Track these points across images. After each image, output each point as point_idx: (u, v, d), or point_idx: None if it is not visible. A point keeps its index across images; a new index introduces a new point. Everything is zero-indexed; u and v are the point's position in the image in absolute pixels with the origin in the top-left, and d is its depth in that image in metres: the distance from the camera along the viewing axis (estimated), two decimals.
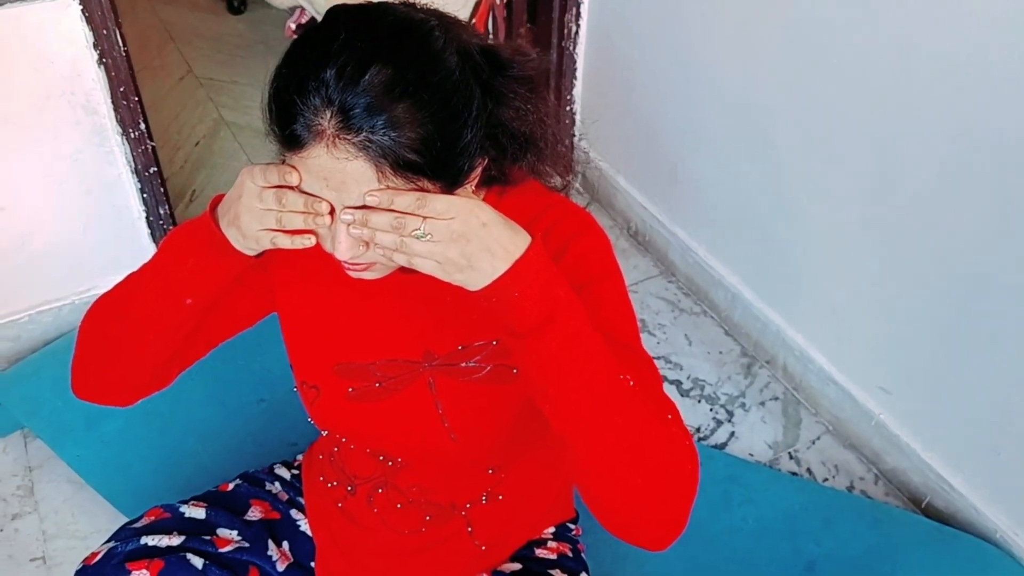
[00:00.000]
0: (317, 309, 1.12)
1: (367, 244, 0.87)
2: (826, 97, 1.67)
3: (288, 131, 0.83)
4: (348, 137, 0.81)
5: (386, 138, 0.81)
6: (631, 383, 0.86)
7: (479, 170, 0.91)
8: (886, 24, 1.51)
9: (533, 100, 0.94)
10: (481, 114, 0.88)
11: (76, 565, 1.35)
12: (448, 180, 0.86)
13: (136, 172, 1.90)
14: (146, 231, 2.00)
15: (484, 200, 1.00)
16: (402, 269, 0.96)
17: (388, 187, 0.83)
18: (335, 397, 1.13)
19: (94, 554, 1.30)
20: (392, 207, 0.82)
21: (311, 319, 1.13)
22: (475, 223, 0.82)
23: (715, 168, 2.03)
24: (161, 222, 2.00)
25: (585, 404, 0.85)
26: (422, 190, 0.83)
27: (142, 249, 2.03)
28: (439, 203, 0.82)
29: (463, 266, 0.82)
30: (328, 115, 0.80)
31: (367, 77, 0.80)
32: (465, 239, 0.82)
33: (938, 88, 1.46)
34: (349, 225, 0.84)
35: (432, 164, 0.83)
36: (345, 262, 0.90)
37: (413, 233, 0.81)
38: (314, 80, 0.81)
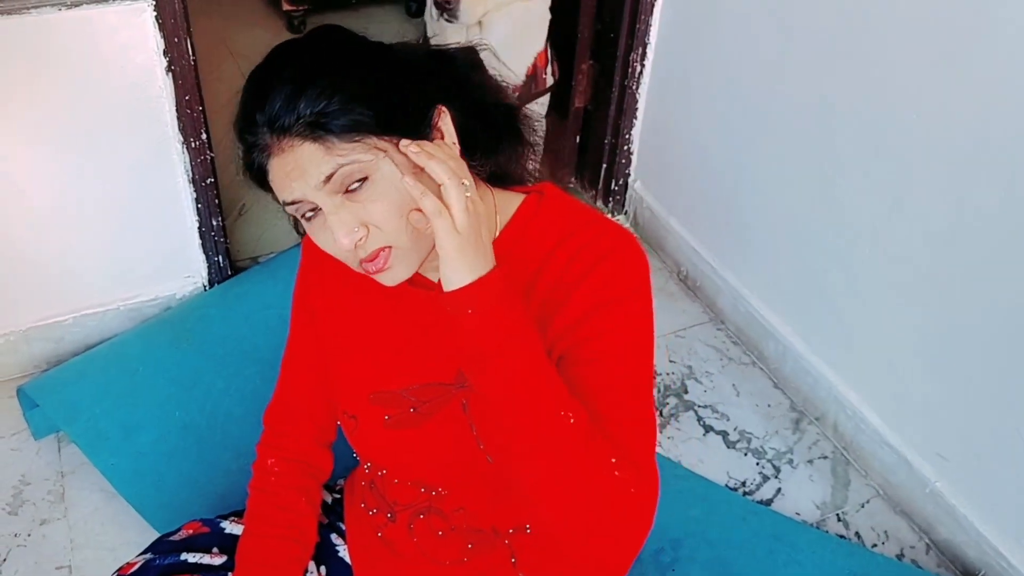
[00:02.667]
0: (351, 340, 1.13)
1: (366, 227, 0.90)
2: (900, 150, 1.63)
3: (254, 168, 0.92)
4: (286, 136, 0.88)
5: (311, 115, 0.87)
6: (572, 420, 0.86)
7: (442, 119, 0.93)
8: (969, 77, 1.48)
9: (490, 79, 1.03)
10: (416, 69, 0.94)
11: None
12: (403, 129, 0.90)
13: (193, 182, 1.89)
14: (197, 242, 1.99)
15: (522, 206, 1.04)
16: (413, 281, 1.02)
17: (340, 161, 0.88)
18: (372, 426, 1.12)
19: (130, 565, 1.28)
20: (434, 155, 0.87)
21: (346, 350, 1.14)
22: (483, 217, 0.87)
23: (773, 215, 1.99)
24: (213, 234, 1.99)
25: (515, 436, 0.87)
26: (379, 148, 0.89)
27: (191, 261, 2.02)
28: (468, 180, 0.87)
29: (469, 243, 0.84)
30: (265, 132, 0.89)
31: (277, 84, 0.89)
32: (478, 222, 0.85)
33: (1017, 147, 1.42)
34: (411, 152, 0.87)
35: (374, 118, 0.88)
36: (364, 264, 0.93)
37: (464, 181, 0.85)
38: (247, 121, 0.91)
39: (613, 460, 0.87)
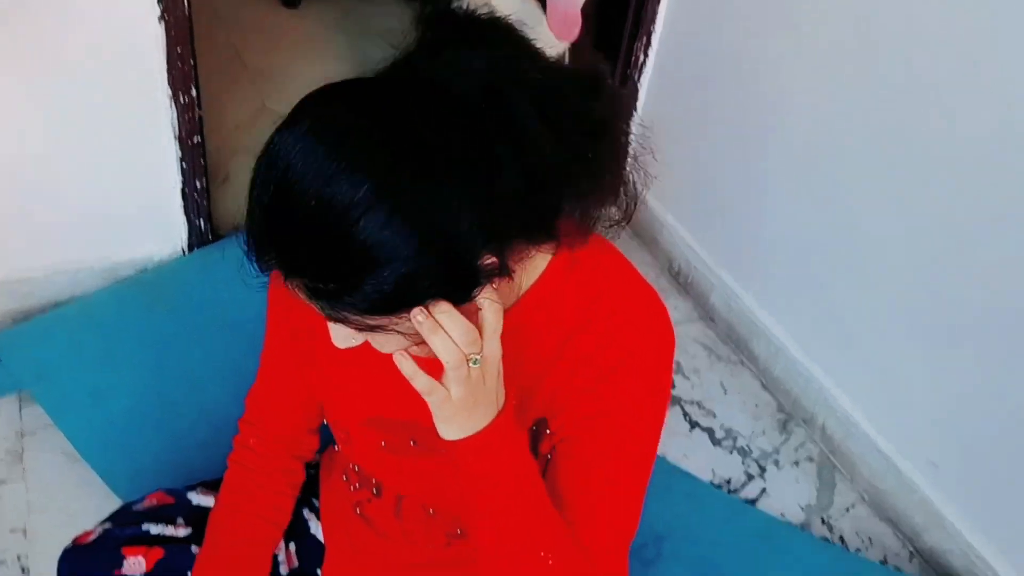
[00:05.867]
0: (344, 363, 1.04)
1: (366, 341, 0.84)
2: (909, 154, 1.59)
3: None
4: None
5: (328, 303, 0.76)
6: (550, 563, 0.88)
7: (488, 269, 0.77)
8: (984, 88, 1.44)
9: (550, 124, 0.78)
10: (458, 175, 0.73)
11: (60, 542, 1.26)
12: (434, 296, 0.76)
13: (179, 139, 1.82)
14: (179, 203, 1.92)
15: (552, 265, 0.92)
16: None
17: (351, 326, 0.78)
18: (367, 446, 1.08)
19: (87, 533, 1.22)
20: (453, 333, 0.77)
21: (338, 373, 1.07)
22: (493, 374, 0.82)
23: (772, 213, 1.96)
24: (196, 196, 1.92)
25: (492, 557, 0.91)
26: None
27: (172, 223, 1.95)
28: (488, 344, 0.80)
29: (465, 408, 0.81)
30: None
31: (287, 242, 0.74)
32: (479, 387, 0.81)
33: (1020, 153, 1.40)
34: (418, 324, 0.76)
35: (399, 305, 0.75)
36: None
37: (471, 355, 0.78)
38: (254, 243, 0.76)
39: None
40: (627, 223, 0.91)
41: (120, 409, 1.69)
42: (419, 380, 0.79)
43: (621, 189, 0.88)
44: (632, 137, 0.89)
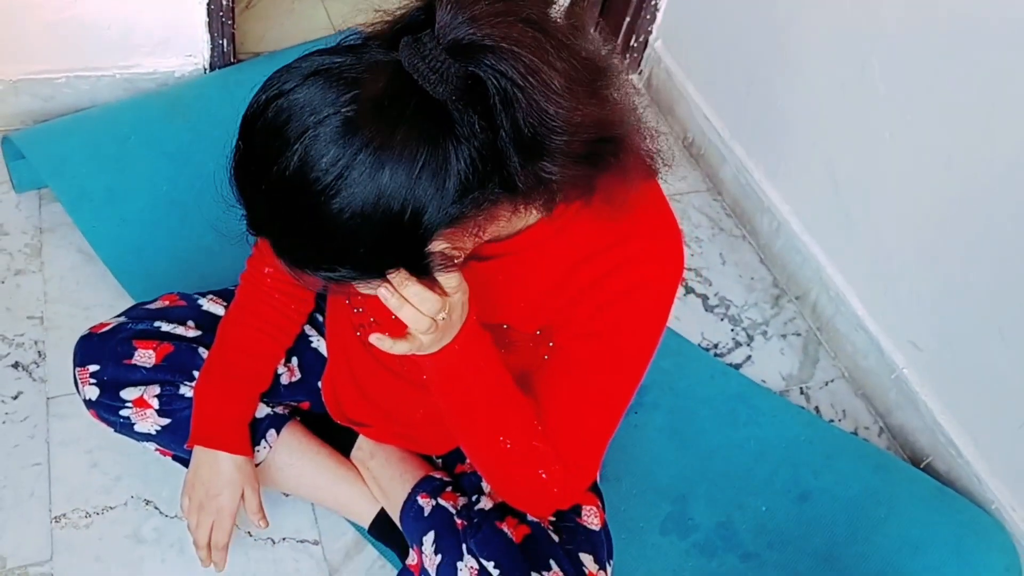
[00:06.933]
0: None
1: None
2: (943, 41, 1.57)
3: None
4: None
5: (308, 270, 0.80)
6: (508, 446, 0.98)
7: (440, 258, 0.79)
8: None
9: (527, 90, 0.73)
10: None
11: (74, 331, 1.32)
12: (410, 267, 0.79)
13: None
14: (204, 19, 1.91)
15: (558, 214, 0.90)
16: None
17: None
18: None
19: (102, 324, 1.28)
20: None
21: None
22: (458, 311, 0.87)
23: (795, 93, 1.94)
24: (222, 14, 1.90)
25: (463, 435, 1.03)
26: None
27: (195, 39, 1.95)
28: (453, 297, 0.84)
29: (432, 346, 0.89)
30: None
31: (267, 221, 0.82)
32: (446, 332, 0.88)
33: None
34: (383, 297, 0.81)
35: (376, 275, 0.80)
36: None
37: (438, 317, 0.83)
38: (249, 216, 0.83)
39: (542, 473, 0.99)
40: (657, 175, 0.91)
41: (135, 211, 1.73)
42: (398, 348, 0.86)
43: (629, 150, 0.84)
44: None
